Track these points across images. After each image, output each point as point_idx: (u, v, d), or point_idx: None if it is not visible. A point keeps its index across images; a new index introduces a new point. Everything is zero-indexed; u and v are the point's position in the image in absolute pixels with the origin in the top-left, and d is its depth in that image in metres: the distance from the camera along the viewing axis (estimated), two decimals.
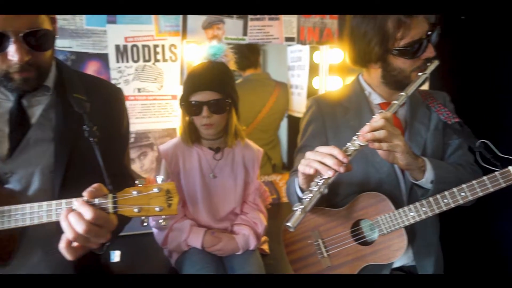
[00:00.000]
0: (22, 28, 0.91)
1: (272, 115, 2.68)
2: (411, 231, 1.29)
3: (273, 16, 2.07)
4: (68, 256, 0.84)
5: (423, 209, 1.20)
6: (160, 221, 0.88)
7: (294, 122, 2.68)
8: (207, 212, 1.55)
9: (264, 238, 1.76)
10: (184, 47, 1.98)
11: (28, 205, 0.89)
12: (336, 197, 1.38)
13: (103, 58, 1.89)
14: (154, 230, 1.57)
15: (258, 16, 2.05)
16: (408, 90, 1.21)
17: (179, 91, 2.00)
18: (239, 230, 1.56)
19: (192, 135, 1.53)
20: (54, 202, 0.88)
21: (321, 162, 1.05)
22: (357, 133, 1.11)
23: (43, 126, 1.05)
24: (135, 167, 1.99)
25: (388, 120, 1.10)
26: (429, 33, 1.21)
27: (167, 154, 1.54)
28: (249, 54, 2.54)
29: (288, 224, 1.04)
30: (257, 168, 1.63)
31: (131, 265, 1.65)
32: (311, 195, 1.06)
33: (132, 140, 1.98)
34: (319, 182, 1.06)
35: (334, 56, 2.27)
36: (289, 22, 2.13)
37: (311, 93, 2.43)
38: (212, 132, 1.50)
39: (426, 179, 1.17)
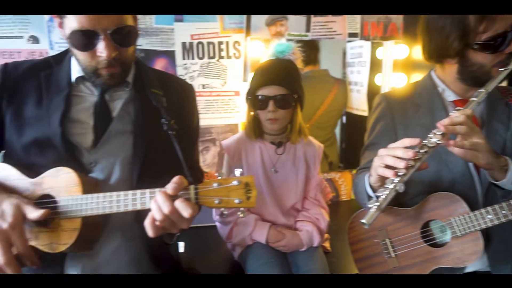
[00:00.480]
0: (110, 26, 0.97)
1: (330, 112, 2.64)
2: (486, 234, 1.22)
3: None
4: (150, 232, 0.88)
5: (503, 212, 1.13)
6: (239, 213, 0.90)
7: (352, 120, 2.63)
8: (271, 206, 1.56)
9: (325, 236, 1.74)
10: (247, 44, 2.00)
11: (114, 193, 0.94)
12: (405, 196, 1.33)
13: (170, 55, 1.96)
14: (218, 224, 1.61)
15: None
16: (489, 86, 1.15)
17: (242, 87, 2.04)
18: (302, 227, 1.56)
19: (256, 129, 1.55)
20: (138, 191, 0.92)
21: (393, 155, 1.04)
22: (433, 131, 1.07)
23: (123, 119, 1.11)
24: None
25: (469, 117, 1.06)
26: None
27: (230, 149, 1.57)
28: (309, 51, 2.51)
29: (363, 221, 1.03)
30: (318, 163, 1.62)
31: (194, 257, 1.69)
32: (387, 192, 1.03)
33: None
34: (394, 180, 1.04)
35: (398, 52, 2.20)
36: (352, 18, 2.10)
37: (372, 90, 2.37)
38: (276, 127, 1.51)
39: (508, 179, 1.11)
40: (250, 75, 2.03)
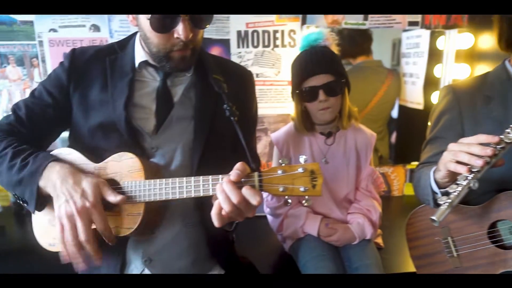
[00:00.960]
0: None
1: (383, 104, 2.55)
2: None
3: None
4: (217, 222, 0.87)
5: None
6: (303, 201, 0.87)
7: (405, 113, 2.52)
8: (325, 198, 1.54)
9: (378, 231, 1.69)
10: (303, 32, 1.95)
11: (177, 179, 0.94)
12: (471, 193, 1.26)
13: (225, 43, 1.96)
14: (269, 217, 1.61)
15: None
16: None
17: None
18: (353, 219, 1.52)
19: (306, 123, 1.52)
20: (201, 177, 0.92)
21: (468, 152, 0.98)
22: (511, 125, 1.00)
23: (185, 105, 1.12)
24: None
25: None
26: None
27: (278, 142, 1.55)
28: (361, 41, 2.43)
29: (433, 218, 0.99)
30: (370, 153, 1.57)
31: (245, 247, 1.69)
32: (459, 189, 0.99)
33: None
34: (468, 176, 0.98)
35: (462, 41, 2.07)
36: None
37: (429, 81, 2.26)
38: (329, 116, 1.47)
39: None
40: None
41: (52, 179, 0.94)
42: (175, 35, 0.98)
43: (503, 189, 1.18)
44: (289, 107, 2.04)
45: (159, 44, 1.01)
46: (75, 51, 1.15)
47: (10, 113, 1.12)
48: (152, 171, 1.02)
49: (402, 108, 2.63)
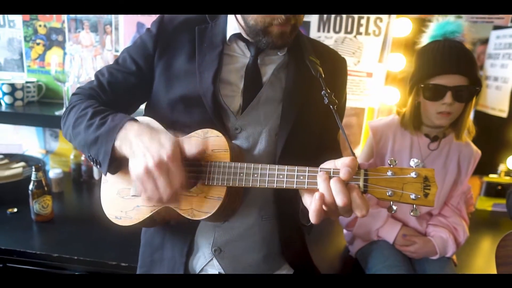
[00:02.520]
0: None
1: None
2: None
3: None
4: (314, 219, 0.76)
5: None
6: (411, 212, 0.75)
7: (484, 120, 2.30)
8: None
9: None
10: (392, 21, 1.80)
11: (267, 166, 0.84)
12: None
13: (305, 26, 1.83)
14: None
15: None
16: None
17: (376, 69, 1.85)
18: (435, 232, 1.38)
19: (415, 120, 1.37)
20: (296, 168, 0.82)
21: None
22: None
23: (274, 86, 1.02)
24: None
25: None
26: None
27: (377, 132, 1.42)
28: None
29: None
30: (471, 169, 1.41)
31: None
32: None
33: None
34: None
35: None
36: None
37: None
38: (446, 122, 1.31)
39: None
40: (390, 56, 1.84)
41: (128, 138, 0.87)
42: None
43: None
44: (365, 101, 1.90)
45: (258, 16, 0.91)
46: (163, 18, 1.07)
47: (92, 78, 1.08)
48: (236, 154, 0.93)
49: (480, 115, 2.41)
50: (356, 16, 1.79)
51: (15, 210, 1.66)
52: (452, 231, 1.37)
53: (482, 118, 2.37)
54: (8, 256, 1.40)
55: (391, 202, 0.77)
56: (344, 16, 1.79)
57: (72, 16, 1.94)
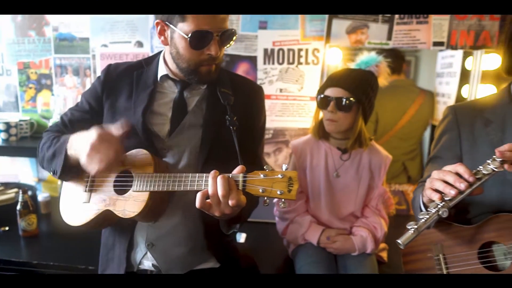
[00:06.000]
0: (220, 27, 1.15)
1: (414, 123, 2.55)
2: None
3: (421, 19, 2.00)
4: (198, 203, 1.03)
5: None
6: (280, 204, 0.99)
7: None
8: (328, 210, 1.61)
9: (383, 246, 1.73)
10: (326, 51, 2.07)
11: (178, 174, 1.10)
12: (466, 214, 1.29)
13: (252, 60, 2.13)
14: (276, 219, 1.71)
15: (405, 19, 2.00)
16: None
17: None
18: (357, 232, 1.58)
19: (320, 130, 1.61)
20: (197, 174, 1.07)
21: (444, 180, 1.02)
22: (493, 156, 1.01)
23: (196, 114, 1.27)
24: (270, 161, 2.17)
25: None
26: None
27: (297, 149, 1.66)
28: (393, 60, 2.47)
29: (399, 241, 1.02)
30: (383, 174, 1.62)
31: (252, 248, 1.83)
32: (427, 216, 1.01)
33: (270, 136, 2.17)
34: (439, 204, 1.01)
35: (489, 62, 2.05)
36: (439, 26, 2.03)
37: (458, 102, 2.25)
38: (333, 129, 1.56)
39: None
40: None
41: (77, 141, 1.13)
42: (207, 52, 1.16)
43: (497, 211, 1.19)
44: (310, 122, 2.14)
45: (191, 59, 1.18)
46: (110, 67, 1.37)
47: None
48: (162, 168, 1.19)
49: (434, 128, 2.61)
50: (296, 48, 2.07)
51: (7, 228, 1.97)
52: (372, 230, 1.57)
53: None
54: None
55: (265, 198, 1.01)
56: (285, 49, 2.07)
57: (58, 62, 2.30)
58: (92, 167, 1.08)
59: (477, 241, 1.22)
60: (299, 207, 1.62)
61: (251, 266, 1.49)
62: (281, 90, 2.14)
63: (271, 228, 1.76)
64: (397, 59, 2.51)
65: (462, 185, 0.99)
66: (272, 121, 2.17)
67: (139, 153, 1.20)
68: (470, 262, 1.22)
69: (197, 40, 1.13)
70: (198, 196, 1.03)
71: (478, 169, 1.02)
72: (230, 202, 0.99)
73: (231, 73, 1.44)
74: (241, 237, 1.89)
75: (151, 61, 1.36)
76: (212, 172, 1.03)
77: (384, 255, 1.70)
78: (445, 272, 1.26)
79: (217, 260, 1.32)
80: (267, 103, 2.14)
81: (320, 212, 1.62)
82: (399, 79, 2.57)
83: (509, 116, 1.22)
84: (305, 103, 2.14)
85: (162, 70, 1.30)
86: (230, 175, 1.02)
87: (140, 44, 2.17)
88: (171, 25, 1.17)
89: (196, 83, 1.25)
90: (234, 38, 1.21)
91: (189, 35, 1.12)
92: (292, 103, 2.14)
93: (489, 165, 1.01)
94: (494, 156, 1.01)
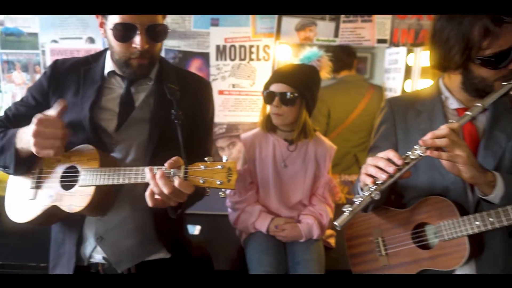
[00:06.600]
0: (146, 21, 1.17)
1: (365, 117, 2.68)
2: (479, 242, 1.24)
3: (366, 18, 2.10)
4: (149, 203, 1.06)
5: (490, 219, 1.15)
6: (220, 193, 1.03)
7: None
8: (277, 199, 1.68)
9: (331, 232, 1.82)
10: (276, 47, 2.14)
11: (122, 168, 1.13)
12: (402, 199, 1.39)
13: (205, 56, 2.16)
14: (229, 210, 1.76)
15: (351, 18, 2.10)
16: (486, 101, 1.16)
17: None
18: (304, 219, 1.66)
19: (268, 123, 1.68)
20: (141, 168, 1.10)
21: (376, 165, 1.10)
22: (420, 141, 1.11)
23: (143, 109, 1.30)
24: (224, 155, 2.20)
25: (454, 130, 1.09)
26: None
27: (247, 142, 1.72)
28: (344, 57, 2.59)
29: (335, 223, 1.09)
30: (328, 163, 1.70)
31: (207, 240, 1.88)
32: (361, 199, 1.09)
33: (223, 130, 2.22)
34: (372, 188, 1.09)
35: (427, 58, 2.18)
36: (382, 24, 2.14)
37: None
38: (279, 122, 1.63)
39: (495, 196, 1.12)
40: None
41: (25, 133, 1.13)
42: (133, 45, 1.18)
43: (427, 195, 1.29)
44: None
45: (120, 52, 1.21)
46: (56, 62, 1.36)
47: None
48: (109, 162, 1.21)
49: None
50: (247, 45, 2.13)
51: None
52: (318, 217, 1.65)
53: None
54: None
55: (207, 188, 1.05)
56: (237, 45, 2.12)
57: (5, 58, 2.23)
58: (46, 152, 1.08)
59: (411, 223, 1.32)
60: (249, 198, 1.68)
61: (204, 256, 1.54)
62: (233, 86, 2.19)
63: (226, 220, 1.80)
64: (349, 56, 2.64)
65: (391, 169, 1.07)
66: (226, 116, 2.22)
67: (85, 148, 1.21)
68: (405, 243, 1.32)
69: (120, 32, 1.17)
70: (147, 197, 1.06)
71: (407, 154, 1.11)
72: (185, 190, 1.02)
73: (179, 68, 1.47)
74: (196, 230, 1.93)
75: (99, 57, 1.37)
76: (149, 173, 1.05)
77: (332, 241, 1.79)
78: (383, 253, 1.36)
79: (167, 251, 1.35)
80: (220, 98, 2.19)
81: (270, 201, 1.68)
82: (350, 75, 2.69)
83: (438, 108, 1.33)
84: (257, 98, 2.19)
85: (109, 66, 1.31)
86: (172, 171, 1.04)
87: (91, 40, 2.15)
88: (104, 18, 1.20)
89: (130, 77, 1.27)
90: (166, 33, 1.24)
91: (112, 27, 1.16)
92: (245, 98, 2.20)
93: (416, 150, 1.10)
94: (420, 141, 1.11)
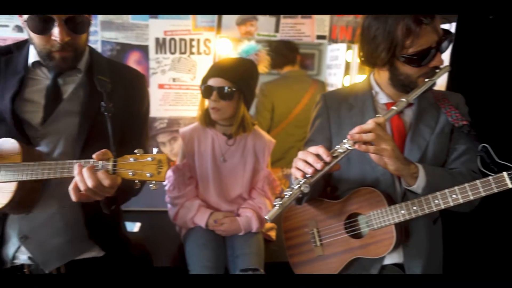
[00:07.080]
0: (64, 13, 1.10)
1: (308, 111, 2.68)
2: (405, 229, 1.31)
3: (305, 14, 2.14)
4: (73, 197, 1.02)
5: (414, 207, 1.21)
6: (150, 185, 1.01)
7: None
8: (217, 193, 1.68)
9: (271, 225, 1.85)
10: (217, 41, 2.12)
11: (47, 162, 1.07)
12: (336, 191, 1.43)
13: (144, 49, 2.10)
14: (168, 206, 1.73)
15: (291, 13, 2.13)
16: (410, 96, 1.22)
17: None
18: (243, 213, 1.67)
19: (206, 117, 1.67)
20: (67, 161, 1.05)
21: (304, 160, 1.12)
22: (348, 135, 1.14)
23: (72, 101, 1.24)
24: (166, 149, 2.18)
25: (380, 125, 1.13)
26: (440, 41, 1.20)
27: (185, 136, 1.69)
28: (287, 52, 2.62)
29: (266, 217, 1.10)
30: (267, 157, 1.72)
31: (146, 237, 1.84)
32: (291, 192, 1.11)
33: (164, 125, 2.17)
34: (301, 181, 1.11)
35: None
36: (321, 21, 2.19)
37: None
38: (218, 117, 1.63)
39: (418, 186, 1.19)
40: None
41: None
42: (53, 37, 1.12)
43: (360, 186, 1.34)
44: None
45: (40, 44, 1.15)
46: None
47: None
48: (34, 156, 1.14)
49: None
50: (188, 38, 2.09)
51: None
52: (257, 210, 1.67)
53: None
54: None
55: (136, 180, 1.02)
56: (177, 38, 2.09)
57: None
58: None
59: (344, 214, 1.37)
60: (189, 192, 1.66)
61: (142, 253, 1.50)
62: (174, 80, 2.15)
63: (166, 217, 1.78)
64: (291, 51, 2.68)
65: (318, 165, 1.10)
66: (166, 111, 2.17)
67: (6, 142, 1.13)
68: (338, 233, 1.37)
69: (36, 24, 1.11)
70: (70, 191, 1.01)
71: (335, 148, 1.14)
72: (106, 183, 0.98)
73: (112, 60, 1.42)
74: (136, 227, 1.89)
75: (22, 45, 1.28)
76: (76, 167, 1.01)
77: (272, 234, 1.81)
78: (318, 244, 1.39)
79: (101, 249, 1.30)
80: (161, 93, 2.14)
81: (209, 196, 1.68)
82: (293, 70, 2.74)
83: (368, 102, 1.38)
84: (198, 93, 2.15)
85: (33, 56, 1.23)
86: (100, 163, 1.01)
87: (19, 28, 2.01)
88: None
89: (55, 69, 1.21)
90: (88, 25, 1.19)
91: (26, 18, 1.11)
92: (186, 93, 2.17)
93: (344, 144, 1.14)
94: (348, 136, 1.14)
